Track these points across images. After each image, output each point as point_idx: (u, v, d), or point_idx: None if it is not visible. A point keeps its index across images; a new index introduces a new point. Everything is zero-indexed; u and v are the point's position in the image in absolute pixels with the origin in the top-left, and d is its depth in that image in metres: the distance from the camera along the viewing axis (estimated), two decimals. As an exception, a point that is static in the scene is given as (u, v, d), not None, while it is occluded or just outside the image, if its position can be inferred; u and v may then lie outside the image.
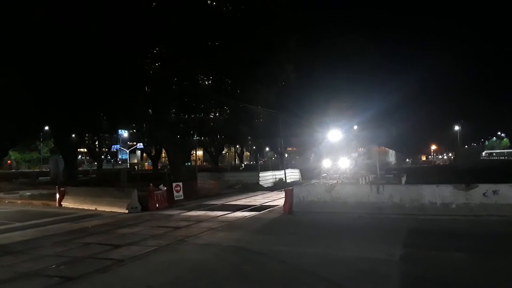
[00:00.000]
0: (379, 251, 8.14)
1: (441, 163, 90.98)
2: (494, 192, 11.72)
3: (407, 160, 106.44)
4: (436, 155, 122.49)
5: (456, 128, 72.83)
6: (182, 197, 19.62)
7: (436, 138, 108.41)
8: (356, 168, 31.66)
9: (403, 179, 25.42)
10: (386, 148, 75.83)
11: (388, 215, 12.32)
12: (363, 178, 27.08)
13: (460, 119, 72.35)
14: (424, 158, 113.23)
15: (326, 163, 29.84)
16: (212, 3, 25.25)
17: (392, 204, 12.70)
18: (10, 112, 25.91)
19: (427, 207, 12.28)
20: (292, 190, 14.30)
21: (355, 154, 37.45)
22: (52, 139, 45.85)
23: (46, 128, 39.45)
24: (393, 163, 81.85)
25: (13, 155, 54.22)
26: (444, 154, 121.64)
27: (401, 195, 12.76)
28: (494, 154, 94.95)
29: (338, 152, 31.47)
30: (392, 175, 28.67)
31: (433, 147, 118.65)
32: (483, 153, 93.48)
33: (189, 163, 33.83)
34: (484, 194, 11.78)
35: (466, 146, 66.05)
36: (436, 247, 8.53)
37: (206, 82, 31.88)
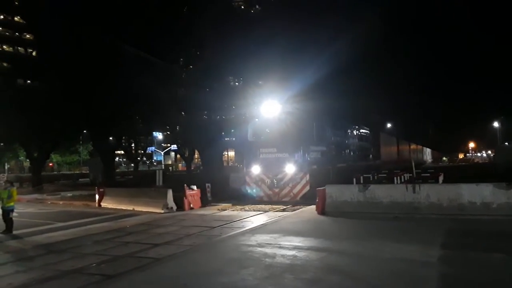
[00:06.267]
0: (417, 252, 7.97)
1: (480, 161, 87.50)
2: (538, 191, 11.19)
3: (444, 158, 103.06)
4: (475, 152, 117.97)
5: (496, 124, 69.76)
6: (215, 197, 19.83)
7: (475, 135, 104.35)
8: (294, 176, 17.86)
9: (440, 178, 24.63)
10: (421, 146, 73.51)
11: (425, 215, 12.02)
12: (398, 177, 26.43)
13: (500, 115, 69.07)
14: (461, 156, 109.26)
15: (255, 169, 18.51)
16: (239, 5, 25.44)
17: (429, 204, 12.35)
18: (55, 115, 27.24)
19: (466, 207, 11.87)
20: (324, 190, 14.19)
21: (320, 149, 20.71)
22: (91, 142, 47.48)
23: (85, 131, 40.99)
24: (429, 161, 79.41)
25: (54, 158, 56.28)
26: (483, 152, 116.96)
27: (438, 194, 12.39)
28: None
29: (282, 144, 18.24)
30: (428, 174, 27.69)
31: (471, 144, 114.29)
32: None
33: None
34: (527, 193, 11.27)
35: (506, 143, 63.22)
36: (476, 248, 8.27)
37: (236, 83, 32.14)
